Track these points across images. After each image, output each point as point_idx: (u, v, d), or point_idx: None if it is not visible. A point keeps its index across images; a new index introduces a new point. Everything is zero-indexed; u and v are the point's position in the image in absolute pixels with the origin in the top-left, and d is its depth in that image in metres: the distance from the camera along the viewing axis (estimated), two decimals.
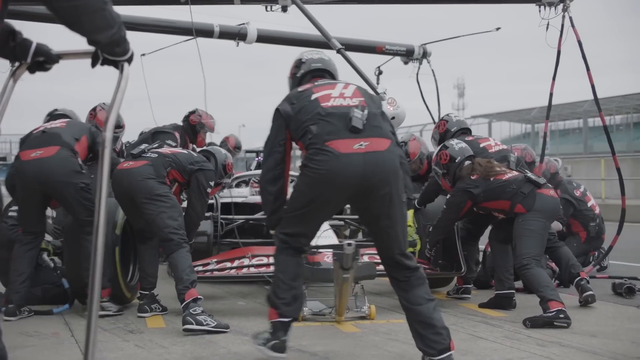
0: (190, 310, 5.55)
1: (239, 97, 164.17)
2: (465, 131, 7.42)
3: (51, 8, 2.78)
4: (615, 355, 4.80)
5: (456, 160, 6.65)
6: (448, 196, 6.65)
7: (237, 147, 11.80)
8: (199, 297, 5.65)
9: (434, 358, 4.26)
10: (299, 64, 5.00)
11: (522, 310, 6.46)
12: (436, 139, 7.50)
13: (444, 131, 7.47)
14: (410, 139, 8.62)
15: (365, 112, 4.36)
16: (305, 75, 4.92)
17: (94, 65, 2.96)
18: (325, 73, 4.93)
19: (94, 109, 7.50)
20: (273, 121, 4.57)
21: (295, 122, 4.44)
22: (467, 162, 6.62)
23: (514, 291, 6.62)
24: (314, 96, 4.48)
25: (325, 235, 6.58)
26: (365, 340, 5.29)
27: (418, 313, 4.37)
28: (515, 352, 4.91)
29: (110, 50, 2.91)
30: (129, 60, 2.98)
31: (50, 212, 7.08)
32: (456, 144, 6.80)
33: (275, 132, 4.53)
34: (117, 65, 2.95)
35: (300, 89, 4.64)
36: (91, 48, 2.91)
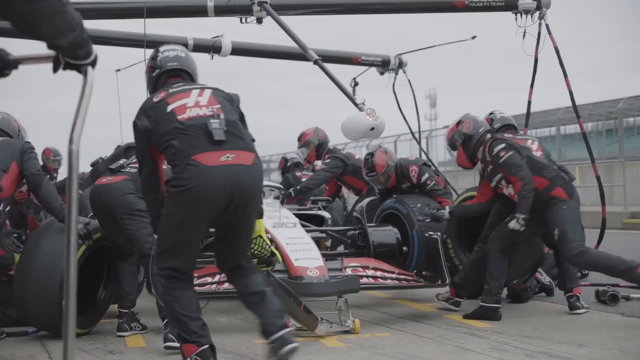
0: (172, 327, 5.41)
1: None
2: (509, 127, 7.05)
3: (5, 15, 2.57)
4: None
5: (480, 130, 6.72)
6: (504, 160, 6.37)
7: None
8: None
9: (275, 335, 4.27)
10: (154, 56, 4.89)
11: (508, 321, 6.40)
12: (459, 140, 7.19)
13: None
14: (377, 149, 8.35)
15: (223, 119, 4.30)
16: (160, 76, 4.78)
17: (55, 70, 2.74)
18: (182, 73, 4.79)
19: None
20: (135, 135, 4.48)
21: (155, 135, 4.33)
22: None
23: (499, 305, 6.51)
24: (169, 108, 4.35)
25: (307, 248, 6.50)
26: (352, 355, 5.19)
27: (258, 296, 4.40)
28: None
29: (72, 53, 2.70)
30: (93, 64, 2.77)
31: None
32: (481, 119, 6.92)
33: (140, 146, 4.45)
34: (80, 69, 2.74)
35: (155, 99, 4.48)
36: (52, 52, 2.70)
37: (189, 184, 4.08)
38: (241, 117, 4.52)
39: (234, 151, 4.21)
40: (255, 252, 4.84)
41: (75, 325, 2.72)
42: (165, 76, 4.75)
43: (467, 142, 6.74)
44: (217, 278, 6.25)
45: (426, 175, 7.88)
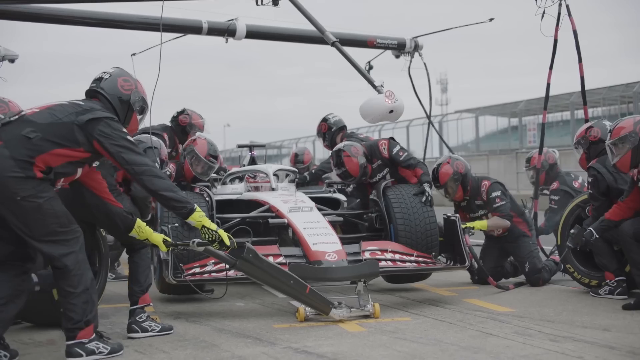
0: (137, 318, 5.47)
1: (222, 96, 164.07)
2: None
3: None
4: (632, 349, 4.66)
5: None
6: None
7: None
8: (149, 303, 5.61)
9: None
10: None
11: (529, 305, 6.33)
12: (584, 146, 7.08)
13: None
14: (343, 154, 7.70)
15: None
16: None
17: None
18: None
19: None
20: None
21: None
22: None
23: None
24: None
25: (324, 232, 6.43)
26: (373, 340, 5.12)
27: None
28: (529, 348, 4.75)
29: None
30: None
31: None
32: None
33: None
34: None
35: None
36: None
37: None
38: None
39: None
40: (207, 239, 5.09)
41: None
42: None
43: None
44: (208, 268, 6.17)
45: (397, 148, 7.66)
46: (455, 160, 7.78)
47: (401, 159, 7.60)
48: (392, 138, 7.87)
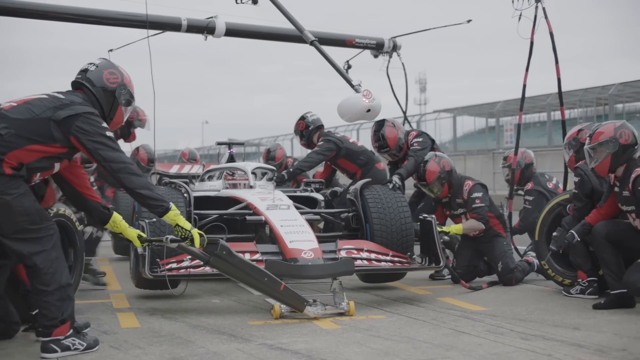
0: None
1: (201, 93, 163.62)
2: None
3: None
4: (600, 347, 4.74)
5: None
6: None
7: (151, 161, 10.92)
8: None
9: None
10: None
11: (502, 304, 6.42)
12: (574, 147, 7.14)
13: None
14: (385, 124, 8.48)
15: None
16: None
17: None
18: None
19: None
20: None
21: None
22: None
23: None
24: None
25: (301, 230, 6.47)
26: (347, 337, 5.17)
27: None
28: (501, 346, 4.83)
29: None
30: None
31: None
32: None
33: None
34: None
35: None
36: None
37: None
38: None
39: None
40: (180, 236, 5.16)
41: None
42: None
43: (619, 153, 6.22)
44: (185, 263, 6.19)
45: (419, 139, 8.34)
46: (442, 159, 7.88)
47: (410, 149, 8.21)
48: (423, 132, 8.54)
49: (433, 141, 8.69)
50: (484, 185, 7.88)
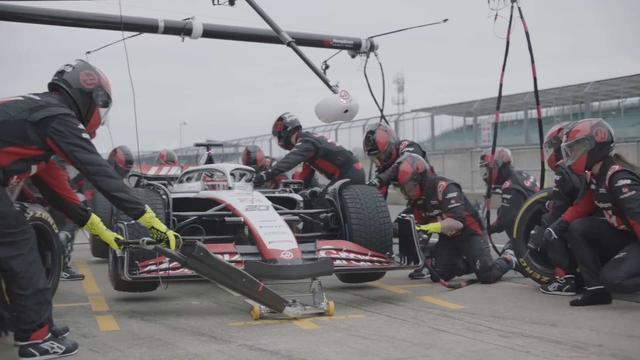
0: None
1: (179, 95, 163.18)
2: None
3: None
4: (578, 343, 4.79)
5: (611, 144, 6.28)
6: (626, 183, 6.04)
7: (129, 162, 10.97)
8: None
9: None
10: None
11: (481, 302, 6.46)
12: (554, 145, 7.21)
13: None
14: (378, 128, 8.65)
15: None
16: None
17: None
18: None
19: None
20: None
21: None
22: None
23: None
24: None
25: (280, 231, 6.48)
26: (327, 337, 5.19)
27: None
28: (479, 344, 4.87)
29: None
30: None
31: None
32: None
33: None
34: None
35: None
36: None
37: None
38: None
39: None
40: (156, 238, 5.16)
41: None
42: None
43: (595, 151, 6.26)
44: (164, 265, 6.17)
45: (410, 149, 8.47)
46: (416, 160, 7.92)
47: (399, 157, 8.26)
48: (414, 143, 8.83)
49: (424, 153, 8.78)
50: (457, 185, 7.93)
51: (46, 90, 5.12)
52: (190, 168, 9.04)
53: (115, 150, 10.85)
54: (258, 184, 8.77)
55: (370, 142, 8.66)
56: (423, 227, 7.61)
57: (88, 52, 9.50)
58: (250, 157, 11.32)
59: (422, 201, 7.99)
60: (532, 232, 6.82)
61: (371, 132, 8.68)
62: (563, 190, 6.79)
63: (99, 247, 9.98)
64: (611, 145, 6.27)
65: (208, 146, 9.65)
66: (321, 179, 10.15)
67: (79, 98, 5.05)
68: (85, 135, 4.87)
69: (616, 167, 6.12)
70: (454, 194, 7.75)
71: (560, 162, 6.85)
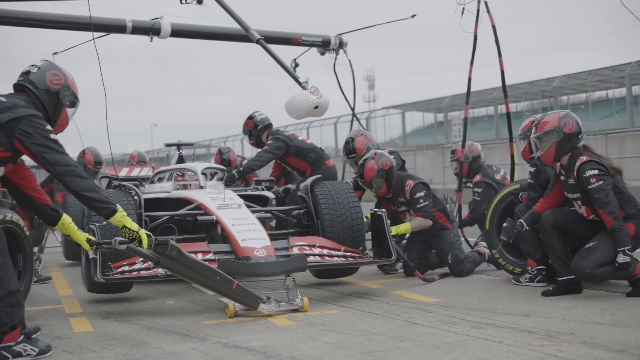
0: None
1: (149, 96, 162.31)
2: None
3: None
4: (549, 332, 4.85)
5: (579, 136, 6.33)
6: (593, 173, 6.10)
7: (98, 163, 10.89)
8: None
9: None
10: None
11: (454, 295, 6.51)
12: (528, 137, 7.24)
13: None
14: (358, 134, 8.76)
15: None
16: None
17: None
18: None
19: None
20: None
21: None
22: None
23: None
24: None
25: (253, 229, 6.49)
26: (302, 333, 5.21)
27: None
28: (453, 335, 4.91)
29: None
30: None
31: None
32: None
33: None
34: None
35: None
36: None
37: None
38: None
39: None
40: (128, 237, 5.15)
41: None
42: None
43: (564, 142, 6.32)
44: (137, 266, 6.16)
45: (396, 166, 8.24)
46: (381, 157, 7.96)
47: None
48: (395, 151, 8.88)
49: (404, 162, 8.84)
50: (425, 184, 7.98)
51: (12, 91, 5.08)
52: (162, 168, 9.02)
53: (83, 152, 10.78)
54: (229, 182, 8.77)
55: (350, 147, 8.73)
56: (393, 229, 7.64)
57: (55, 54, 9.43)
58: (223, 158, 11.30)
59: (391, 195, 8.05)
60: (505, 224, 6.89)
61: (351, 139, 8.76)
62: (537, 182, 6.86)
63: (73, 250, 9.90)
64: (579, 136, 6.35)
65: (179, 146, 9.62)
66: None
67: (45, 99, 5.01)
68: (54, 136, 4.84)
69: (584, 158, 6.20)
70: (422, 193, 7.81)
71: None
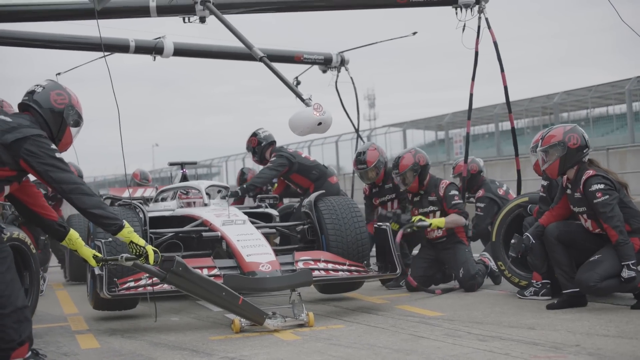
0: None
1: (150, 116, 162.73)
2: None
3: None
4: (555, 344, 4.86)
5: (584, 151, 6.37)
6: (599, 187, 6.12)
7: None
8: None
9: None
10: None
11: (459, 309, 6.53)
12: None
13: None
14: (370, 147, 8.76)
15: None
16: None
17: None
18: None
19: None
20: None
21: None
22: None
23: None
24: None
25: (258, 244, 6.51)
26: (308, 347, 5.22)
27: None
28: (459, 348, 4.92)
29: None
30: None
31: None
32: None
33: None
34: None
35: None
36: None
37: None
38: None
39: None
40: (135, 253, 5.09)
41: None
42: None
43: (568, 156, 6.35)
44: (142, 282, 6.18)
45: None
46: (418, 153, 8.05)
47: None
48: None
49: None
50: (457, 186, 8.13)
51: (16, 111, 5.11)
52: (165, 187, 9.05)
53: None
54: (234, 199, 8.80)
55: (361, 159, 8.74)
56: (428, 220, 7.69)
57: (58, 74, 9.50)
58: (244, 179, 11.33)
59: (419, 197, 8.06)
60: (513, 241, 6.89)
61: (363, 151, 8.75)
62: (550, 195, 6.89)
63: (77, 270, 9.81)
64: (585, 150, 6.38)
65: (182, 165, 9.67)
66: None
67: (50, 118, 5.03)
68: (59, 155, 4.87)
69: (590, 172, 6.23)
70: (456, 192, 7.91)
71: None
